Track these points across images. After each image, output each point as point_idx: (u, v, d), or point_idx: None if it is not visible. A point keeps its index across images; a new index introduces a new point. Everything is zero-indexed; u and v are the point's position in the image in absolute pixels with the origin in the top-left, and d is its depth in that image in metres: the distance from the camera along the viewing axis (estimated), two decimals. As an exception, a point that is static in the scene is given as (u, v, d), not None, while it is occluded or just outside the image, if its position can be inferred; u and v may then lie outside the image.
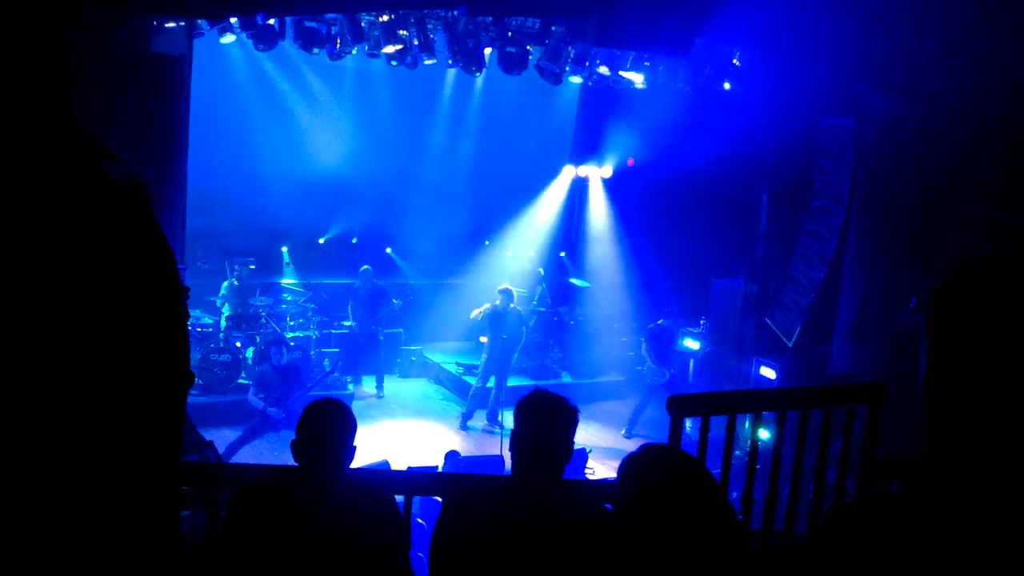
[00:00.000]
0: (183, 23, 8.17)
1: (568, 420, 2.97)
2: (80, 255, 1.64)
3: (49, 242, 1.61)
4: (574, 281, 15.06)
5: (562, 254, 16.15)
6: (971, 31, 7.18)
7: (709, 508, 2.21)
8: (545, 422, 2.94)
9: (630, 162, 15.20)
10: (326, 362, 12.19)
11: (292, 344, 10.95)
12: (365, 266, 13.02)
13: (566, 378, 13.35)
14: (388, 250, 15.06)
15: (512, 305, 11.57)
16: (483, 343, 11.65)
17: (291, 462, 3.17)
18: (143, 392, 1.70)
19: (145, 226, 1.75)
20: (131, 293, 1.68)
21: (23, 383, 1.57)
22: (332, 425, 3.10)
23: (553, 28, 10.28)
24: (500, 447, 9.82)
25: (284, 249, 13.82)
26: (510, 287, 11.79)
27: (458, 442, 10.65)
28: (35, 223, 1.61)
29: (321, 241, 15.21)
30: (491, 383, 11.57)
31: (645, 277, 14.41)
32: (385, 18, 9.86)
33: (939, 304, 1.30)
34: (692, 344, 12.32)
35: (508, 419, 10.99)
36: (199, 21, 8.66)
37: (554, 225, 16.33)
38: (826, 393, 5.47)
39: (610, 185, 15.55)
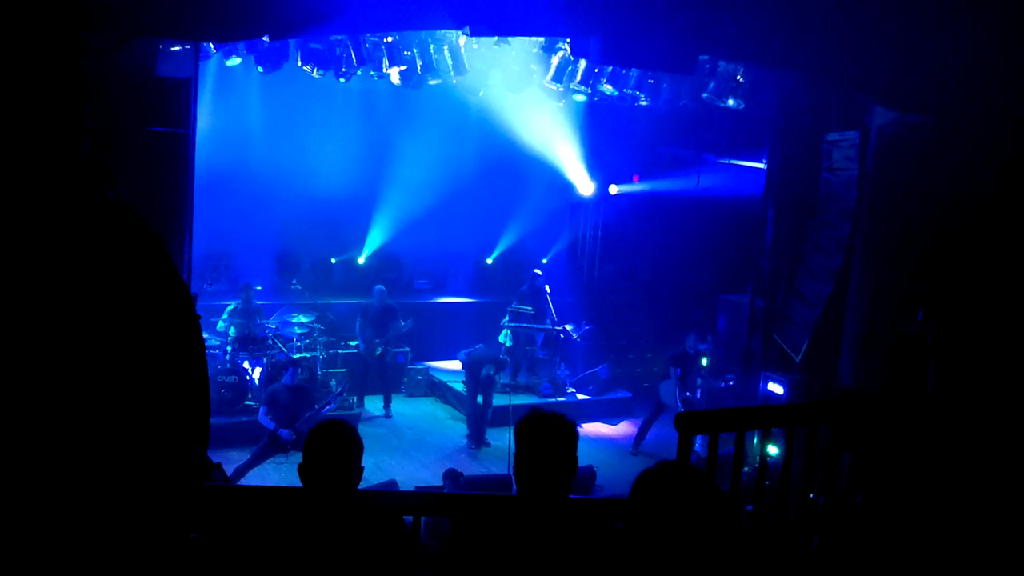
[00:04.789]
0: (189, 46, 8.22)
1: (566, 436, 2.97)
2: (93, 284, 1.65)
3: (61, 271, 1.63)
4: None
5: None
6: (975, 45, 7.19)
7: (723, 526, 2.20)
8: (544, 440, 2.94)
9: (635, 178, 15.25)
10: (333, 382, 12.19)
11: (301, 366, 10.95)
12: (379, 285, 13.05)
13: (573, 395, 13.32)
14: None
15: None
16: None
17: (299, 484, 3.16)
18: (162, 417, 1.71)
19: (157, 257, 1.77)
20: (145, 320, 1.69)
21: (39, 409, 1.59)
22: (338, 447, 3.09)
23: (557, 47, 10.33)
24: (508, 466, 9.80)
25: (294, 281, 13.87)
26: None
27: (466, 461, 10.63)
28: (49, 252, 1.62)
29: (333, 261, 15.27)
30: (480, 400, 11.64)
31: (651, 293, 14.42)
32: (390, 39, 9.91)
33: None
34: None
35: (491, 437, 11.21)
36: (205, 44, 8.71)
37: (561, 241, 16.38)
38: (834, 408, 5.44)
39: (616, 201, 15.59)
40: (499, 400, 11.55)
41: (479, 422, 11.50)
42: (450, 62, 10.28)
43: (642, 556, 2.25)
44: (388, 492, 6.98)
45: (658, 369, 11.88)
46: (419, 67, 10.22)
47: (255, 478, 9.08)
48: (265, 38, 8.44)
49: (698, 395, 12.06)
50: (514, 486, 6.43)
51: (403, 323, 12.78)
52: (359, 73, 10.29)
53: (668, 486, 2.29)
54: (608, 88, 11.06)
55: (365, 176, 14.41)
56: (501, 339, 13.35)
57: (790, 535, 5.00)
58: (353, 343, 13.19)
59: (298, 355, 11.87)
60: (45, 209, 1.65)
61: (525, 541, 2.87)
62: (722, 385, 11.88)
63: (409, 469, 10.23)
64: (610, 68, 10.53)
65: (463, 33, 9.56)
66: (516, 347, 13.47)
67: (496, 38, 9.91)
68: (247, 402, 11.08)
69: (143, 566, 1.73)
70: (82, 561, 1.65)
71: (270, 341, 11.90)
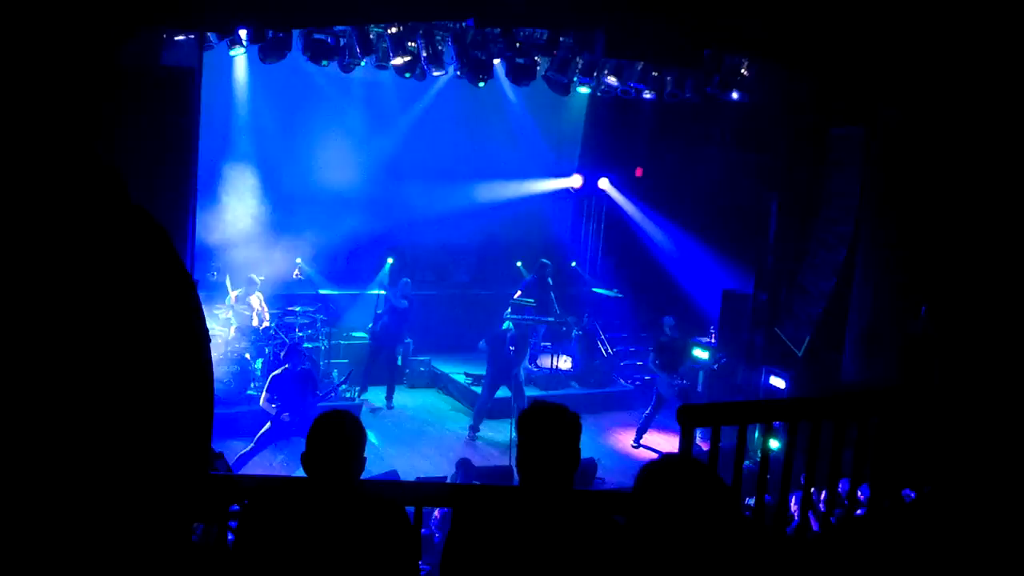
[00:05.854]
0: (192, 36, 8.21)
1: (570, 428, 2.96)
2: (96, 274, 1.65)
3: (65, 262, 1.63)
4: (598, 291, 15.11)
5: (572, 263, 16.19)
6: (980, 42, 7.18)
7: (725, 519, 2.21)
8: (547, 432, 2.93)
9: (639, 171, 15.24)
10: (335, 372, 12.19)
11: (305, 354, 10.94)
12: (405, 278, 13.09)
13: (575, 388, 13.33)
14: (390, 260, 15.03)
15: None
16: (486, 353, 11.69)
17: (301, 473, 3.17)
18: (166, 408, 1.71)
19: (163, 250, 1.77)
20: (149, 311, 1.69)
21: (44, 402, 1.59)
22: (342, 436, 3.09)
23: (561, 39, 10.30)
24: (509, 458, 9.80)
25: (298, 260, 13.84)
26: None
27: (467, 453, 10.63)
28: (54, 244, 1.62)
29: (337, 253, 15.23)
30: (500, 394, 11.56)
31: (655, 286, 14.42)
32: (394, 30, 9.89)
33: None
34: (701, 354, 12.29)
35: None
36: (208, 34, 8.70)
37: (563, 234, 16.38)
38: (837, 404, 5.45)
39: (618, 194, 15.59)
40: (502, 392, 11.55)
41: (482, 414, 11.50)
42: (454, 53, 10.26)
43: (644, 549, 2.25)
44: (389, 482, 6.99)
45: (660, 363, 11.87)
46: (423, 58, 10.21)
47: (257, 467, 9.10)
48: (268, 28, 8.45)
49: (699, 388, 12.08)
50: (515, 478, 6.45)
51: (404, 303, 12.80)
52: (363, 64, 10.27)
53: (671, 479, 2.29)
54: (612, 80, 11.04)
55: (368, 167, 14.39)
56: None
57: (791, 528, 5.02)
58: (356, 334, 13.19)
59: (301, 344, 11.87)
60: (51, 201, 1.66)
61: (527, 533, 2.87)
62: (715, 367, 11.87)
63: (411, 460, 10.25)
64: (614, 61, 10.52)
65: (468, 24, 9.55)
66: (518, 339, 13.46)
67: (500, 29, 9.90)
68: (248, 392, 11.08)
69: (147, 556, 1.74)
70: (86, 552, 1.66)
71: (272, 331, 11.90)
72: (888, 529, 4.29)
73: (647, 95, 11.54)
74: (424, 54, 10.18)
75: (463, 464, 8.42)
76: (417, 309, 13.14)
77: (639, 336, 14.70)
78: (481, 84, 10.76)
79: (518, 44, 10.37)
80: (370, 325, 12.90)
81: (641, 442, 11.46)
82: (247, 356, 11.50)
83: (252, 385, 11.21)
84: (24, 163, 1.67)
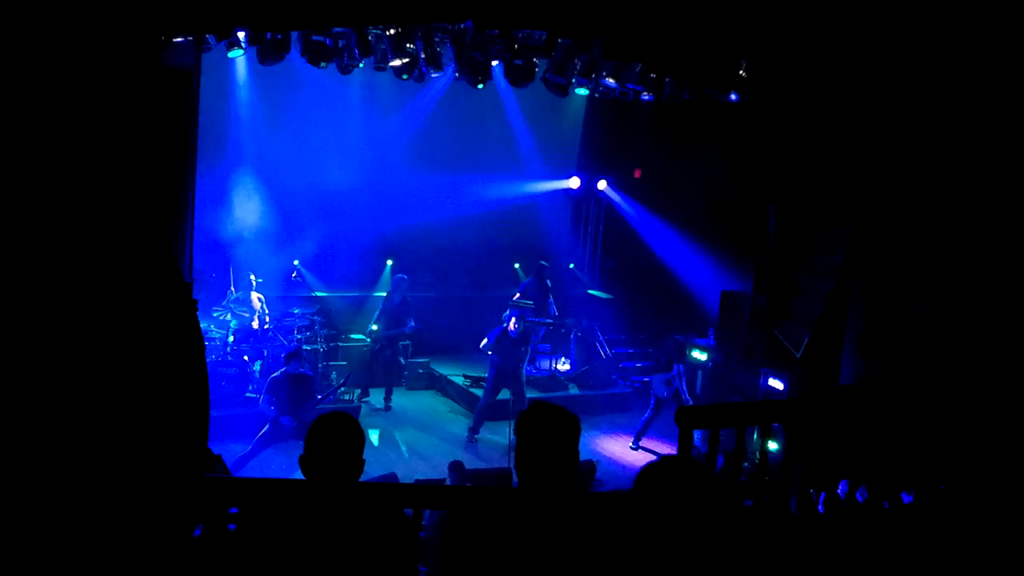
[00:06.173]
0: (191, 38, 8.20)
1: (569, 430, 2.96)
2: (99, 282, 1.65)
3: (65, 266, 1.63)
4: (594, 293, 15.11)
5: (571, 265, 16.19)
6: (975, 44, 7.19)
7: (724, 520, 2.21)
8: (546, 434, 2.93)
9: (637, 173, 15.25)
10: (333, 375, 12.17)
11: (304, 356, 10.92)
12: (400, 274, 13.10)
13: (573, 390, 13.32)
14: (389, 262, 15.04)
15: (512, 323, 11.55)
16: (488, 355, 11.61)
17: (300, 475, 3.16)
18: (162, 411, 1.71)
19: (159, 254, 1.77)
20: (144, 314, 1.69)
21: (44, 410, 1.59)
22: (340, 439, 3.09)
23: (560, 40, 10.29)
24: (508, 460, 9.80)
25: (296, 262, 13.85)
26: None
27: (465, 455, 10.62)
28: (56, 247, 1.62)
29: (335, 254, 15.25)
30: (502, 396, 11.53)
31: (653, 288, 14.43)
32: (392, 32, 9.88)
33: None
34: (700, 355, 12.29)
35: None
36: (207, 35, 8.69)
37: (561, 236, 16.37)
38: (836, 405, 5.45)
39: (617, 196, 15.60)
40: (502, 395, 11.53)
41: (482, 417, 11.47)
42: (453, 55, 10.26)
43: (643, 549, 2.25)
44: (388, 484, 6.99)
45: (659, 364, 11.86)
46: (421, 60, 10.20)
47: (256, 469, 9.09)
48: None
49: (698, 390, 12.08)
50: (515, 479, 6.43)
51: (411, 323, 12.81)
52: (361, 65, 10.27)
53: (671, 480, 2.29)
54: (611, 82, 11.04)
55: (366, 168, 14.38)
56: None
57: (789, 528, 5.00)
58: (355, 336, 13.18)
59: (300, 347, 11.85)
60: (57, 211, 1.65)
61: (525, 534, 2.87)
62: (710, 364, 11.85)
63: (409, 462, 10.25)
64: (612, 62, 10.51)
65: (467, 25, 9.54)
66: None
67: (499, 31, 9.89)
68: (247, 394, 11.07)
69: (145, 556, 1.74)
70: (85, 551, 1.66)
71: (270, 333, 11.88)
72: (881, 528, 4.29)
73: (645, 96, 11.53)
74: (422, 56, 10.17)
75: (455, 467, 8.40)
76: (415, 311, 13.14)
77: (638, 338, 14.70)
78: (480, 86, 10.76)
79: (516, 45, 10.36)
80: (373, 327, 12.89)
81: (640, 444, 11.45)
82: (245, 358, 11.49)
83: (250, 387, 11.20)
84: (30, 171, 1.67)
